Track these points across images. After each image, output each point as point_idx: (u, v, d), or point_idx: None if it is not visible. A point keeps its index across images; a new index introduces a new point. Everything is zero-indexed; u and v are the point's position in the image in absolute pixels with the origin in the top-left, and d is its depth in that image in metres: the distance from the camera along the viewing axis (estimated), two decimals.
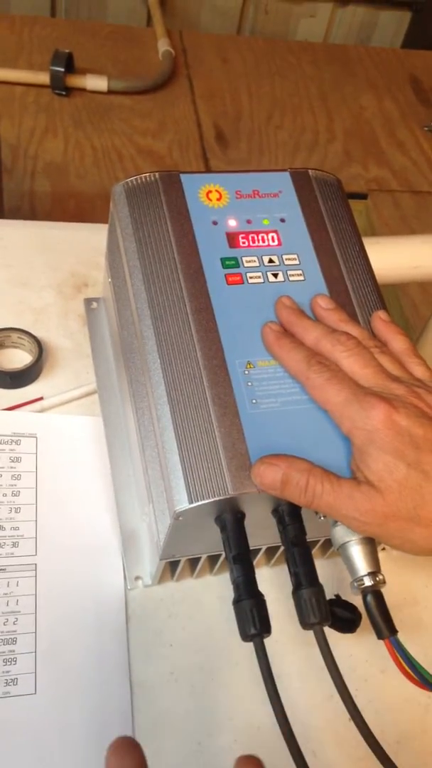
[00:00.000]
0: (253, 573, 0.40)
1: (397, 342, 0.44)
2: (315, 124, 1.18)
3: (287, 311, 0.44)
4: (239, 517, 0.40)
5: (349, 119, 1.20)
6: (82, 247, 0.62)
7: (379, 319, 0.45)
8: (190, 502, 0.39)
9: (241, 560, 0.40)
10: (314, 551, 0.48)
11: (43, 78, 1.12)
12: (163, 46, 1.20)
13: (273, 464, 0.39)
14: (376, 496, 0.38)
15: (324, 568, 0.48)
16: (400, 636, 0.40)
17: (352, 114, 1.20)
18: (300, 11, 1.44)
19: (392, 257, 0.62)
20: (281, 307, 0.44)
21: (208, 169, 1.07)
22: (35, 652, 0.43)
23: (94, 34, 1.23)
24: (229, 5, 1.40)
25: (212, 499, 0.39)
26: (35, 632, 0.44)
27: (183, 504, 0.39)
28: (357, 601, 0.41)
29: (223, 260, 0.45)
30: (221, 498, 0.39)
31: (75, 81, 1.13)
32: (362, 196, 1.10)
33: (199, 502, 0.39)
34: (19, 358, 0.55)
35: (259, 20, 1.43)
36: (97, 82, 1.13)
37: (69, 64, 1.11)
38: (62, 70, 1.10)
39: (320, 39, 1.48)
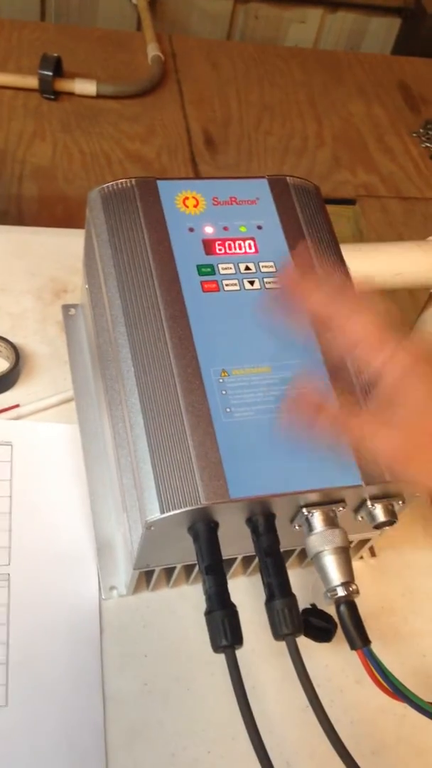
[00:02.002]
0: (226, 584, 0.39)
1: None
2: (304, 129, 1.18)
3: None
4: (212, 527, 0.40)
5: (338, 125, 1.20)
6: (62, 252, 0.62)
7: None
8: (162, 512, 0.38)
9: (213, 571, 0.39)
10: (291, 560, 0.47)
11: (32, 82, 1.11)
12: (152, 50, 1.20)
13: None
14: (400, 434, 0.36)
15: (302, 577, 0.48)
16: (377, 646, 0.39)
17: (341, 120, 1.20)
18: (290, 17, 1.44)
19: (374, 265, 0.62)
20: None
21: (197, 174, 1.07)
22: (7, 663, 0.43)
23: (83, 38, 1.23)
24: (219, 10, 1.40)
25: (184, 509, 0.38)
26: (7, 643, 0.43)
27: (155, 514, 0.38)
28: (333, 610, 0.41)
29: (199, 267, 0.45)
30: (193, 508, 0.38)
31: (63, 85, 1.12)
32: (351, 202, 1.10)
33: (171, 512, 0.38)
34: None
35: (249, 25, 1.43)
36: (85, 86, 1.13)
37: (57, 68, 1.11)
38: (50, 74, 1.09)
39: (310, 45, 1.48)
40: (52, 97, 1.13)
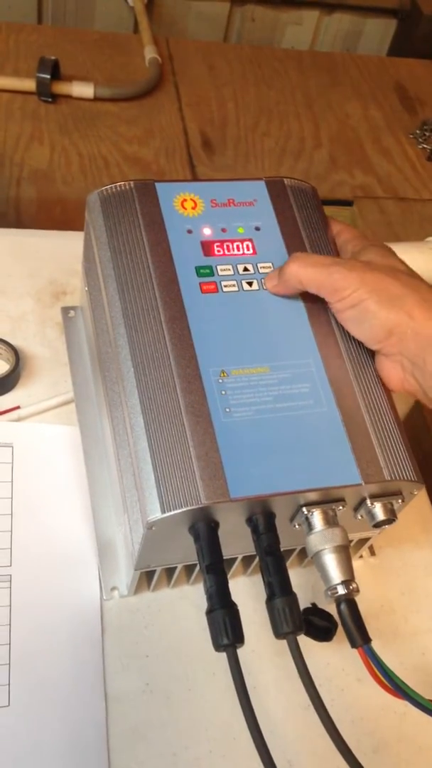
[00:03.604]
0: (227, 582, 0.40)
1: None
2: (301, 131, 1.18)
3: None
4: (213, 526, 0.40)
5: (335, 126, 1.20)
6: (61, 254, 0.62)
7: None
8: (163, 511, 0.38)
9: (214, 570, 0.39)
10: (291, 559, 0.48)
11: (29, 85, 1.11)
12: (149, 53, 1.20)
13: None
14: None
15: (302, 576, 0.48)
16: (377, 644, 0.40)
17: (338, 121, 1.21)
18: (286, 19, 1.44)
19: None
20: None
21: (194, 176, 1.07)
22: (9, 663, 0.43)
23: (80, 41, 1.23)
24: (215, 12, 1.41)
25: (185, 509, 0.38)
26: (9, 644, 0.44)
27: (155, 514, 0.38)
28: (333, 609, 0.41)
29: (197, 269, 0.45)
30: (194, 507, 0.39)
31: (61, 88, 1.13)
32: (348, 203, 1.10)
33: (172, 512, 0.38)
34: None
35: (245, 28, 1.44)
36: (83, 89, 1.13)
37: (55, 71, 1.11)
38: (48, 77, 1.09)
39: (306, 46, 1.48)
40: (50, 99, 1.13)
